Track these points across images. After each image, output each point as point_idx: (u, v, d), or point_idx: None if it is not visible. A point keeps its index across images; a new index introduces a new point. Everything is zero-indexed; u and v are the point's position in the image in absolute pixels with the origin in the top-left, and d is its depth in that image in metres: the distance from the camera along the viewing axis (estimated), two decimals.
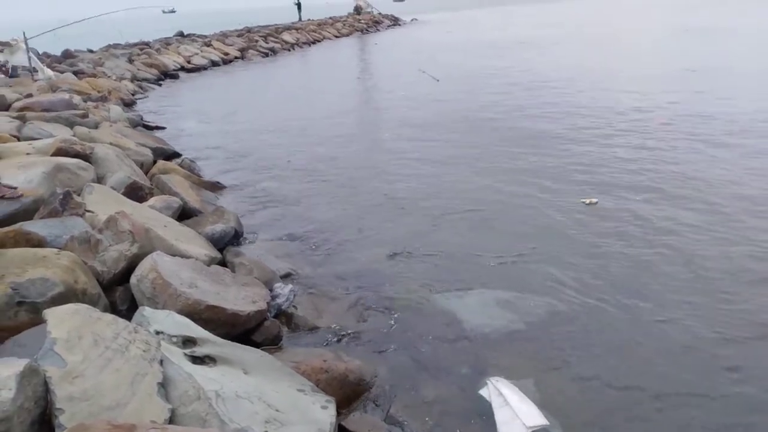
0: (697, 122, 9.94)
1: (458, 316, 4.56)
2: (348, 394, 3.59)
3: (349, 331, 4.41)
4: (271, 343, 4.18)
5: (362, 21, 49.20)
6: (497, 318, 4.48)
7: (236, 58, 26.94)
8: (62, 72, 16.43)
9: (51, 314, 2.80)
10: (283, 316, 4.64)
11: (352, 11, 56.01)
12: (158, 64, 21.95)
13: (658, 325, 4.26)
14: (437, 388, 3.74)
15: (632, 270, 5.10)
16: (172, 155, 9.36)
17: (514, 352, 4.08)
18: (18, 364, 2.38)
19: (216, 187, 8.06)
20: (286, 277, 5.32)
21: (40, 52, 19.24)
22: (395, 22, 53.56)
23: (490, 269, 5.32)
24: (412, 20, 55.19)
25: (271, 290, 4.82)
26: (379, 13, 56.11)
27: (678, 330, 4.17)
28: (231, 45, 28.76)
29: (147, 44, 27.84)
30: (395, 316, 4.61)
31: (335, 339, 4.33)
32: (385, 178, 8.30)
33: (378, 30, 46.91)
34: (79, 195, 5.22)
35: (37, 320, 3.26)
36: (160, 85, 19.80)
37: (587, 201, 6.71)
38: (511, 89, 14.53)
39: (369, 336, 4.35)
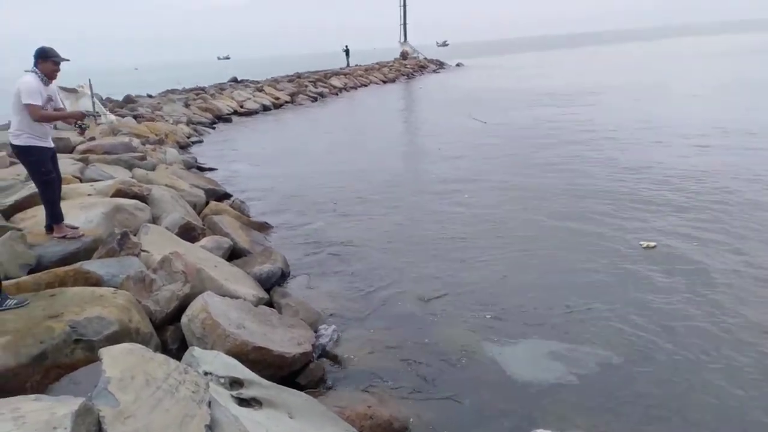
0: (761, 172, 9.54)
1: (505, 364, 4.44)
2: None
3: (393, 375, 4.34)
4: (316, 386, 4.16)
5: (408, 66, 50.19)
6: (546, 369, 4.33)
7: (286, 102, 27.78)
8: (123, 116, 17.31)
9: (106, 353, 2.86)
10: (327, 357, 4.62)
11: (398, 56, 57.35)
12: (212, 109, 22.85)
13: (715, 380, 4.04)
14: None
15: (690, 321, 4.86)
16: (223, 196, 9.63)
17: (562, 404, 3.92)
18: (73, 403, 2.44)
19: (264, 227, 8.21)
20: (330, 317, 5.33)
21: (104, 97, 20.36)
22: (440, 66, 54.46)
23: (542, 316, 5.16)
24: (457, 65, 55.98)
25: (315, 331, 4.84)
26: (425, 58, 57.22)
27: (737, 386, 3.94)
28: (282, 90, 29.74)
29: (203, 89, 29.09)
30: (440, 360, 4.52)
31: (379, 382, 4.26)
32: (431, 221, 8.26)
33: (423, 74, 47.71)
34: (135, 235, 5.41)
35: (92, 358, 3.35)
36: (213, 128, 20.56)
37: (645, 244, 6.49)
38: (563, 134, 14.37)
39: (413, 380, 4.27)
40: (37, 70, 5.08)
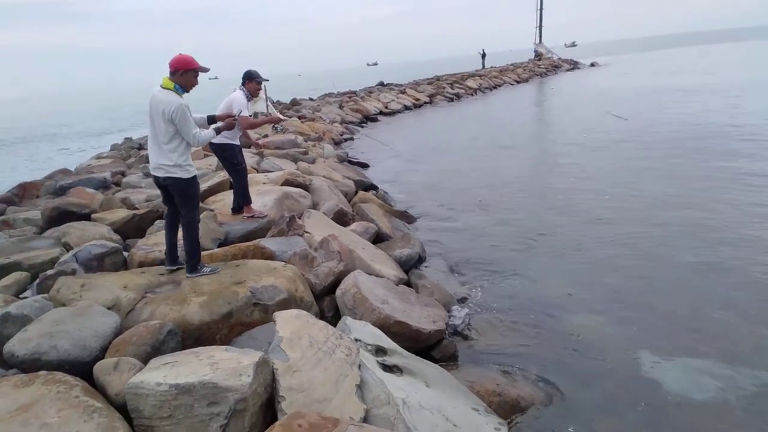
0: None
1: (639, 364, 4.09)
2: (518, 420, 3.46)
3: (522, 359, 4.24)
4: (448, 361, 4.20)
5: (542, 66, 48.02)
6: (684, 378, 3.89)
7: (425, 103, 27.98)
8: (290, 117, 18.56)
9: (279, 316, 3.15)
10: (459, 336, 4.64)
11: (533, 57, 55.09)
12: (362, 109, 23.70)
13: None
14: (609, 429, 3.43)
15: None
16: (370, 187, 9.98)
17: (704, 421, 3.45)
18: (254, 355, 2.72)
19: (405, 216, 8.38)
20: (462, 301, 5.33)
21: (275, 100, 21.99)
22: (574, 66, 51.38)
23: (688, 327, 4.55)
24: (591, 64, 52.45)
25: (449, 311, 4.88)
26: (559, 58, 54.35)
27: None
28: (422, 92, 29.98)
29: (354, 93, 30.25)
30: (570, 351, 4.32)
31: (507, 364, 4.18)
32: (571, 220, 7.66)
33: (556, 74, 45.36)
34: (300, 218, 5.82)
35: (266, 319, 3.69)
36: (362, 126, 21.32)
37: None
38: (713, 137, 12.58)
39: (541, 367, 4.13)
40: (244, 89, 5.70)
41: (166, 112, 3.98)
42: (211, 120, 4.71)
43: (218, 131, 4.52)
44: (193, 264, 4.27)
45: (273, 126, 5.94)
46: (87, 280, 4.06)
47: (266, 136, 12.64)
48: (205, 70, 4.23)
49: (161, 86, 4.09)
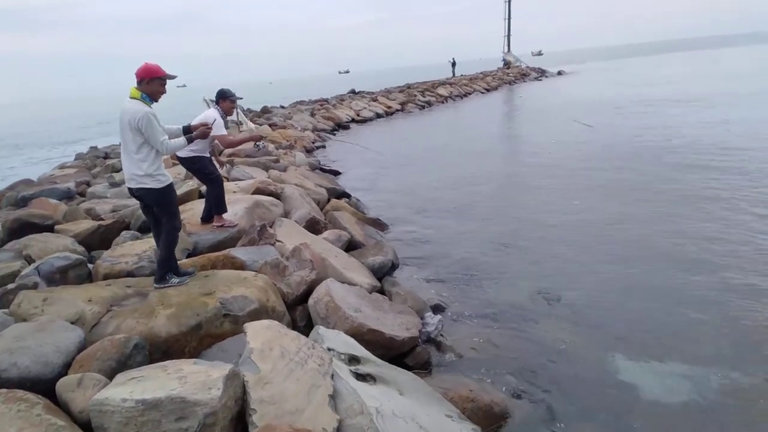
0: None
1: (609, 368, 4.15)
2: (491, 425, 3.48)
3: (494, 365, 4.27)
4: (422, 368, 4.20)
5: (510, 74, 48.82)
6: (654, 381, 3.95)
7: (397, 110, 28.12)
8: (261, 124, 18.42)
9: (250, 327, 3.10)
10: (432, 343, 4.64)
11: (502, 65, 56.01)
12: (334, 117, 23.67)
13: None
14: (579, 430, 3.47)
15: None
16: (342, 194, 9.95)
17: (676, 424, 3.50)
18: (224, 368, 2.67)
19: (377, 223, 8.39)
20: (435, 307, 5.34)
21: (245, 108, 21.78)
22: (542, 74, 52.34)
23: (653, 329, 4.63)
24: (558, 72, 53.56)
25: (422, 318, 4.88)
26: (527, 67, 55.36)
27: None
28: (393, 100, 30.13)
29: (326, 100, 30.19)
30: (540, 357, 4.36)
31: (480, 370, 4.21)
32: (541, 225, 7.78)
33: (525, 82, 46.16)
34: (271, 227, 5.76)
35: (237, 330, 3.63)
36: (334, 134, 21.27)
37: None
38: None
39: (513, 372, 4.16)
40: (218, 108, 5.65)
41: (132, 121, 3.92)
42: (186, 130, 4.65)
43: (190, 140, 4.45)
44: (162, 274, 4.19)
45: (255, 144, 5.88)
46: (49, 293, 3.92)
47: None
48: (172, 77, 4.19)
49: (129, 97, 4.03)
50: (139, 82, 4.03)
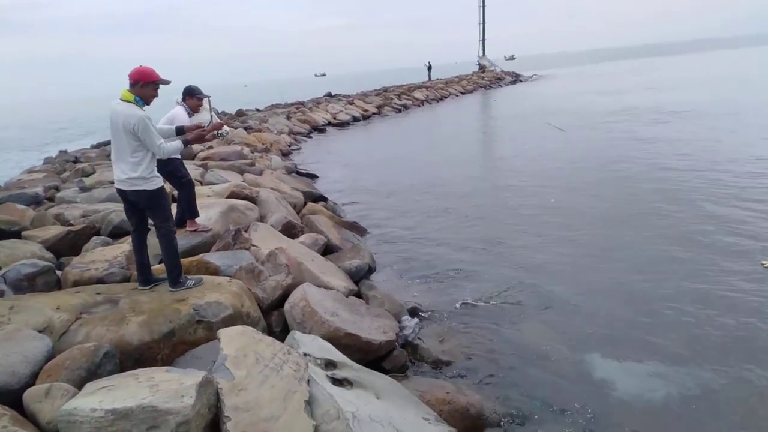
0: None
1: (585, 368, 4.21)
2: (468, 427, 3.50)
3: (470, 367, 4.30)
4: (399, 371, 4.20)
5: (485, 78, 49.31)
6: (629, 379, 4.01)
7: (373, 113, 28.12)
8: (236, 128, 18.21)
9: (223, 334, 3.06)
10: (409, 347, 4.65)
11: (477, 69, 56.57)
12: (310, 120, 23.55)
13: None
14: (555, 430, 3.52)
15: None
16: (319, 198, 9.92)
17: (651, 422, 3.55)
18: (197, 375, 2.63)
19: (354, 227, 8.36)
20: (412, 310, 5.35)
21: (219, 111, 21.51)
22: (516, 78, 53.01)
23: (633, 328, 4.68)
24: (532, 76, 54.32)
25: (399, 322, 4.88)
26: (502, 71, 56.02)
27: None
28: (370, 103, 30.12)
29: (302, 103, 30.05)
30: (517, 358, 4.40)
31: (456, 372, 4.24)
32: (517, 227, 7.82)
33: (500, 86, 46.67)
34: (246, 231, 5.70)
35: (211, 336, 3.58)
36: (310, 137, 21.18)
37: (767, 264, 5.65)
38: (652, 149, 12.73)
39: (489, 374, 4.20)
40: (184, 104, 5.57)
41: (127, 125, 3.86)
42: (180, 132, 4.60)
43: (186, 143, 4.41)
44: (175, 277, 4.15)
45: (217, 132, 5.81)
46: (16, 301, 3.82)
47: (211, 147, 12.37)
48: (166, 82, 4.14)
49: (121, 99, 3.95)
50: (133, 85, 3.96)
